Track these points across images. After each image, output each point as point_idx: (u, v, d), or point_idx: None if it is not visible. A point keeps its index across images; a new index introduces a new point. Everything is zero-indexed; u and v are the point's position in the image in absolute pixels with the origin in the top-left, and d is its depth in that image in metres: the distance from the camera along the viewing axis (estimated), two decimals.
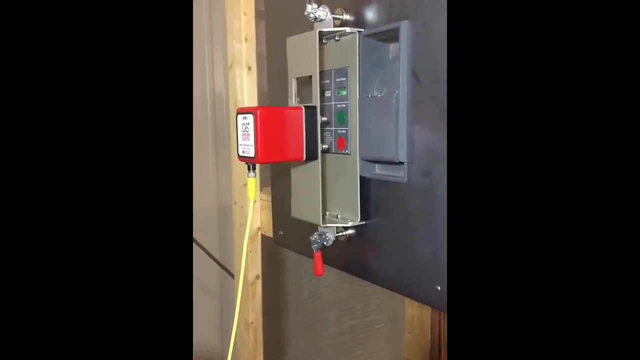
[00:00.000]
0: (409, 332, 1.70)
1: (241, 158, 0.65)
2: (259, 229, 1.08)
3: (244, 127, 0.64)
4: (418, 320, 1.67)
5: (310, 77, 0.68)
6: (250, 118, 0.62)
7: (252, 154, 0.63)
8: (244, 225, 1.10)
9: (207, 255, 1.55)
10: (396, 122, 0.60)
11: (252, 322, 1.13)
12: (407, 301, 1.71)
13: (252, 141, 0.63)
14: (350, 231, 0.71)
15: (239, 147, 0.65)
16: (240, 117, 0.64)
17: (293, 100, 0.73)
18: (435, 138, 0.57)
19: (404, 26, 0.58)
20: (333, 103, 0.71)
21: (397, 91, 0.60)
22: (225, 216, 1.65)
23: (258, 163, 0.64)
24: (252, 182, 0.67)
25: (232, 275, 1.51)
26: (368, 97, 0.65)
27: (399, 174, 0.62)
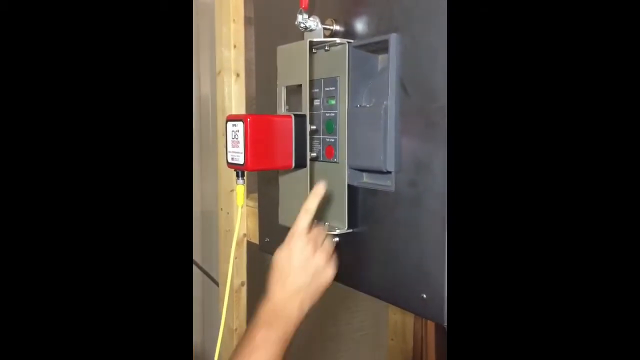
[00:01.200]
0: (392, 339, 1.71)
1: (230, 165, 0.66)
2: (244, 235, 1.08)
3: (233, 134, 0.64)
4: (401, 327, 1.68)
5: (300, 85, 0.68)
6: (240, 125, 0.63)
7: (241, 161, 0.63)
8: (229, 231, 1.10)
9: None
10: (384, 131, 0.61)
11: (236, 329, 1.13)
12: (391, 308, 1.72)
13: (241, 148, 0.63)
14: (337, 239, 0.71)
15: (228, 154, 0.66)
16: (230, 124, 0.65)
17: (282, 109, 0.74)
18: (422, 148, 0.58)
19: (393, 38, 0.60)
20: (322, 112, 0.71)
21: (385, 102, 0.61)
22: (210, 222, 1.64)
23: (247, 170, 0.64)
24: (241, 189, 0.67)
25: (216, 283, 1.50)
26: (357, 106, 0.66)
27: (387, 183, 0.63)
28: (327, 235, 0.66)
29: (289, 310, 0.60)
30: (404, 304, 0.63)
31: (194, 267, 1.57)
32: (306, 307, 0.62)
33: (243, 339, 0.60)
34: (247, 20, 1.07)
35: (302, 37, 0.69)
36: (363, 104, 0.66)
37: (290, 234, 0.63)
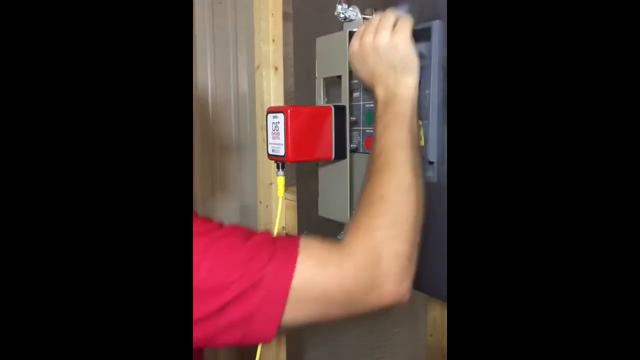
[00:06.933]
0: (430, 336, 1.69)
1: (271, 157, 0.66)
2: (283, 228, 1.08)
3: (274, 126, 0.64)
4: (440, 323, 1.65)
5: (339, 77, 0.68)
6: (280, 117, 0.63)
7: (282, 152, 0.63)
8: (268, 224, 1.11)
9: None
10: (427, 120, 0.60)
11: None
12: (429, 304, 1.69)
13: (282, 140, 0.63)
14: None
15: (269, 145, 0.66)
16: (270, 116, 0.65)
17: (321, 100, 0.74)
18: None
19: (436, 26, 0.58)
20: (361, 103, 0.71)
21: (427, 90, 0.60)
22: (248, 216, 1.66)
23: (288, 162, 0.64)
24: (281, 181, 0.68)
25: None
26: None
27: (428, 174, 0.62)
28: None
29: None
30: (444, 297, 0.62)
31: None
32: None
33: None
34: (284, 16, 1.07)
35: (340, 29, 0.69)
36: None
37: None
